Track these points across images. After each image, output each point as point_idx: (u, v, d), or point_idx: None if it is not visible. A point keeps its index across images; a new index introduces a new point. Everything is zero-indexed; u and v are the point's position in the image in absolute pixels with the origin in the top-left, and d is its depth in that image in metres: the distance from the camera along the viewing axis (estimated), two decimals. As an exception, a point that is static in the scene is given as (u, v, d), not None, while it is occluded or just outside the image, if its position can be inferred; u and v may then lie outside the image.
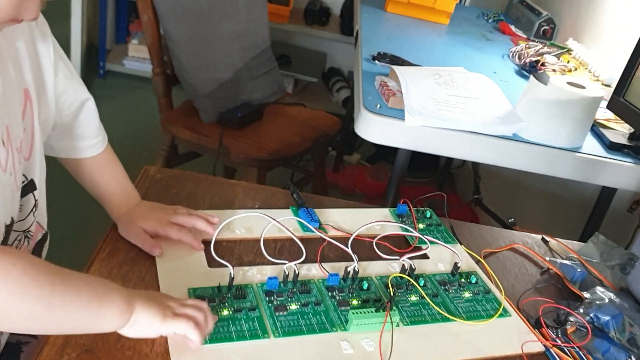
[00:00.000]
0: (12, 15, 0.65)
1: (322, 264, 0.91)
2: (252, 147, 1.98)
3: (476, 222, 2.21)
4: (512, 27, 2.28)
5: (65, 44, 2.97)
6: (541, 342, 0.84)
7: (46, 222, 0.93)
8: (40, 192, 0.85)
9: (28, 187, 0.81)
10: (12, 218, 0.77)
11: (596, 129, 1.46)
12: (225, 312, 0.78)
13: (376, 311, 0.80)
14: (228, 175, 2.46)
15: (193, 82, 2.03)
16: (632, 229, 1.46)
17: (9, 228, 0.77)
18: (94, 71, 3.46)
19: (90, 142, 0.96)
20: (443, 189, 2.94)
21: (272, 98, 2.24)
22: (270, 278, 0.84)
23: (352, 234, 0.96)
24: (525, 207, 2.29)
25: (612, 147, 1.40)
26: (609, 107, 1.43)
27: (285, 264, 0.86)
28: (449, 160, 2.93)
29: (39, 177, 0.84)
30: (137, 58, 3.48)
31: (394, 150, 1.48)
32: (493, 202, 2.40)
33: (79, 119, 0.94)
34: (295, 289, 0.84)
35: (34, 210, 0.83)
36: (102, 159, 0.98)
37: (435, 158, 3.04)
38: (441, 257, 0.98)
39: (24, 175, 0.80)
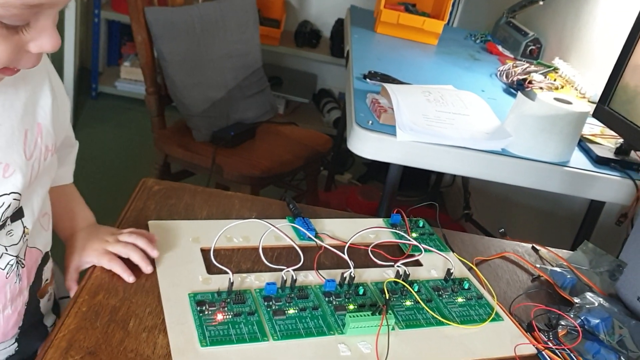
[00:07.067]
0: (6, 64, 0.64)
1: (319, 270, 0.92)
2: (245, 165, 2.00)
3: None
4: (499, 47, 2.33)
5: (58, 66, 2.99)
6: (533, 345, 0.86)
7: (48, 245, 0.92)
8: (29, 220, 0.83)
9: (17, 214, 0.80)
10: None
11: (583, 144, 1.49)
12: (225, 316, 0.80)
13: (372, 315, 0.82)
14: (220, 194, 2.47)
15: (186, 101, 2.06)
16: (620, 241, 1.48)
17: None
18: (86, 93, 3.48)
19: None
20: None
21: (264, 117, 2.27)
22: (268, 283, 0.85)
23: (347, 242, 0.98)
24: (515, 222, 2.32)
25: (599, 162, 1.43)
26: (594, 115, 1.47)
27: (283, 270, 0.88)
28: (439, 178, 2.96)
29: (32, 207, 0.83)
30: (128, 80, 3.51)
31: (385, 169, 1.50)
32: (483, 217, 2.43)
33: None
34: (293, 295, 0.86)
35: (23, 236, 0.82)
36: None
37: (426, 177, 3.07)
38: (434, 264, 1.01)
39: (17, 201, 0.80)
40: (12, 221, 0.79)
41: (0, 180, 0.75)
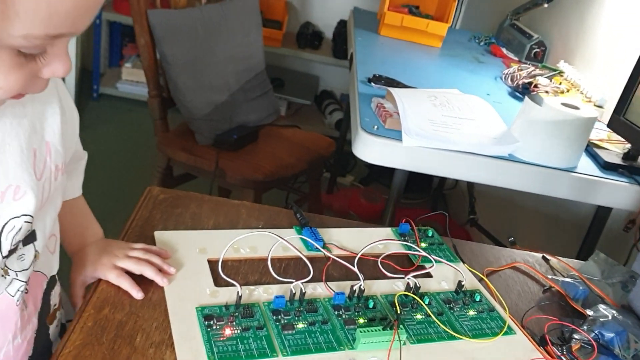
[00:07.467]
0: (19, 91, 0.63)
1: (328, 282, 0.91)
2: (248, 168, 1.99)
3: (472, 243, 2.19)
4: (504, 50, 2.32)
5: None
6: (547, 360, 0.85)
7: (54, 268, 0.89)
8: (41, 244, 0.80)
9: (29, 238, 0.77)
10: None
11: (590, 149, 1.48)
12: (233, 331, 0.78)
13: (383, 329, 0.80)
14: (223, 197, 2.45)
15: (189, 104, 2.04)
16: (628, 247, 1.47)
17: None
18: (88, 95, 3.47)
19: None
20: (436, 210, 2.96)
21: (267, 120, 2.25)
22: (277, 297, 0.84)
23: (356, 253, 0.97)
24: (520, 227, 2.31)
25: (607, 167, 1.42)
26: (609, 125, 1.46)
27: (291, 282, 0.86)
28: (442, 181, 2.95)
29: (44, 230, 0.80)
30: (130, 81, 3.50)
31: (387, 171, 1.49)
32: (488, 222, 2.41)
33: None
34: (302, 308, 0.84)
35: (34, 261, 0.79)
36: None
37: (428, 179, 3.06)
38: (444, 275, 0.99)
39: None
40: (24, 245, 0.76)
41: (10, 203, 0.72)
